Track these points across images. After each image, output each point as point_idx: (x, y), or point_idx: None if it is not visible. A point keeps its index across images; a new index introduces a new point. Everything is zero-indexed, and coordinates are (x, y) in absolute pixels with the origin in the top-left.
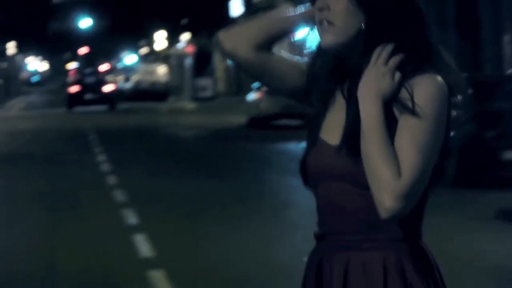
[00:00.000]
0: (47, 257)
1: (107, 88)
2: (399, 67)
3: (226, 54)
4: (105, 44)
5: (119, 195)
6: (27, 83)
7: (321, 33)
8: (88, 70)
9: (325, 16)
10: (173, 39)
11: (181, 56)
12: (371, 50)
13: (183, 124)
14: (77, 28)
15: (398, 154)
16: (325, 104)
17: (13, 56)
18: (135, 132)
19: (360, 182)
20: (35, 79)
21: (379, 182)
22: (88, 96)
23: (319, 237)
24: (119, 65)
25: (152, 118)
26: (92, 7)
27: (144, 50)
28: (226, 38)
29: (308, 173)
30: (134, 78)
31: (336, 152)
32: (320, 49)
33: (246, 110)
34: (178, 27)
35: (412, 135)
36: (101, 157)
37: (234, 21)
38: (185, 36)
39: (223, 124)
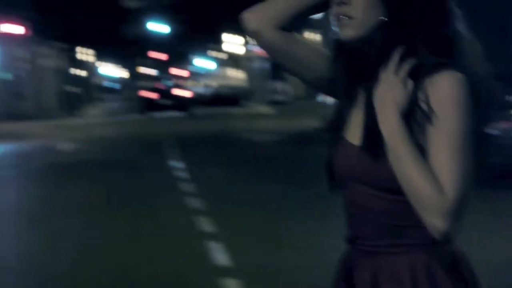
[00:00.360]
0: (121, 262)
1: (182, 93)
2: (415, 69)
3: (250, 35)
4: (180, 48)
5: (194, 202)
6: (104, 89)
7: (339, 28)
8: (163, 75)
9: (344, 10)
10: (249, 43)
11: (257, 60)
12: (391, 43)
13: (259, 129)
14: (152, 33)
15: (435, 168)
16: (349, 100)
17: (90, 63)
18: (211, 137)
19: (383, 185)
20: (111, 85)
21: (423, 202)
22: (163, 101)
23: (348, 241)
24: (194, 70)
25: (228, 123)
26: (166, 12)
27: (219, 55)
28: (250, 17)
29: (335, 174)
30: (210, 82)
31: (358, 153)
32: (339, 43)
33: (322, 113)
34: None
35: (443, 144)
36: (177, 163)
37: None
38: None
39: (300, 127)
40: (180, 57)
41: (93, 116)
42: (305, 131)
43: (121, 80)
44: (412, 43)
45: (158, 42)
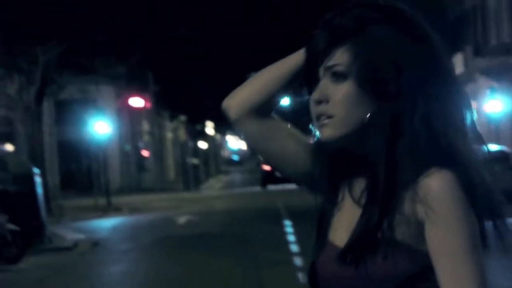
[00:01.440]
0: None
1: None
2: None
3: (232, 125)
4: (301, 119)
5: (305, 277)
6: (227, 162)
7: (318, 128)
8: None
9: (324, 110)
10: None
11: None
12: (377, 142)
13: None
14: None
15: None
16: (332, 200)
17: (211, 135)
18: None
19: None
20: (232, 157)
21: None
22: (279, 174)
23: None
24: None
25: None
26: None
27: None
28: (229, 105)
29: (318, 280)
30: None
31: (340, 256)
32: (319, 143)
33: None
34: None
35: (445, 263)
36: (290, 237)
37: None
38: None
39: None
40: (299, 128)
41: (213, 188)
42: None
43: (241, 152)
44: (400, 141)
45: (279, 114)
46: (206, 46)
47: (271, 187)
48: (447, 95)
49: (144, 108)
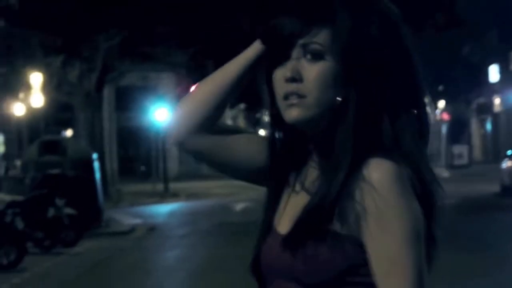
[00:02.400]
0: None
1: None
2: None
3: (177, 147)
4: None
5: None
6: None
7: (286, 107)
8: None
9: (296, 88)
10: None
11: (438, 124)
12: (342, 127)
13: None
14: None
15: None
16: (280, 185)
17: (268, 122)
18: None
19: (310, 285)
20: None
21: None
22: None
23: None
24: None
25: None
26: None
27: None
28: (172, 131)
29: (261, 267)
30: None
31: (282, 242)
32: (282, 124)
33: (500, 178)
34: (435, 94)
35: (384, 266)
36: None
37: (492, 88)
38: (441, 103)
39: (477, 192)
40: None
41: None
42: (483, 195)
43: None
44: (367, 129)
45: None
46: None
47: None
48: (411, 88)
49: None
